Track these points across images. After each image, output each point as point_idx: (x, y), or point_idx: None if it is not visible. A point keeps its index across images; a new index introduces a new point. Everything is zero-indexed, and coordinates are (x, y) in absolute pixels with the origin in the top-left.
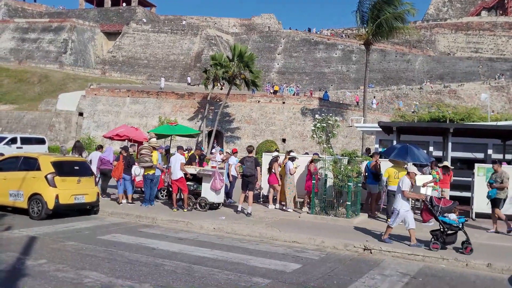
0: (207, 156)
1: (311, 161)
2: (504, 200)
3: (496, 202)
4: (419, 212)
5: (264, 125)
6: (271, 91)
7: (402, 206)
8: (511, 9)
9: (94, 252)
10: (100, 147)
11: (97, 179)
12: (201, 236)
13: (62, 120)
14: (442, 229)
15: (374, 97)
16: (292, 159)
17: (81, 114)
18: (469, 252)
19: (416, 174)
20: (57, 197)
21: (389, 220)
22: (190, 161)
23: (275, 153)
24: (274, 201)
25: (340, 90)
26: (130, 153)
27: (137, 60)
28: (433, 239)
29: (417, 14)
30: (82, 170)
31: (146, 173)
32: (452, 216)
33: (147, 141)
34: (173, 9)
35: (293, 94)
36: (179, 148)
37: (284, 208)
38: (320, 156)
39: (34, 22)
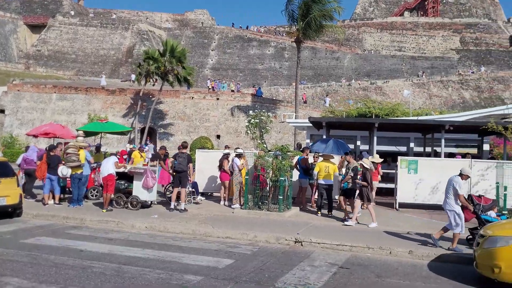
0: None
1: (258, 158)
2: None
3: (347, 192)
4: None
5: (198, 122)
6: (210, 86)
7: (456, 208)
8: (431, 10)
9: (16, 257)
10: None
11: (22, 180)
12: (132, 235)
13: None
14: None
15: (327, 95)
16: (239, 155)
17: (2, 111)
18: None
19: (469, 177)
20: None
21: (330, 212)
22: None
23: (226, 151)
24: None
25: (273, 86)
26: (55, 150)
27: (65, 55)
28: (470, 237)
29: (346, 14)
30: (3, 170)
31: (73, 173)
32: (493, 214)
33: (74, 140)
34: (102, 2)
35: (232, 91)
36: (113, 154)
37: (231, 205)
38: (246, 152)
39: None
